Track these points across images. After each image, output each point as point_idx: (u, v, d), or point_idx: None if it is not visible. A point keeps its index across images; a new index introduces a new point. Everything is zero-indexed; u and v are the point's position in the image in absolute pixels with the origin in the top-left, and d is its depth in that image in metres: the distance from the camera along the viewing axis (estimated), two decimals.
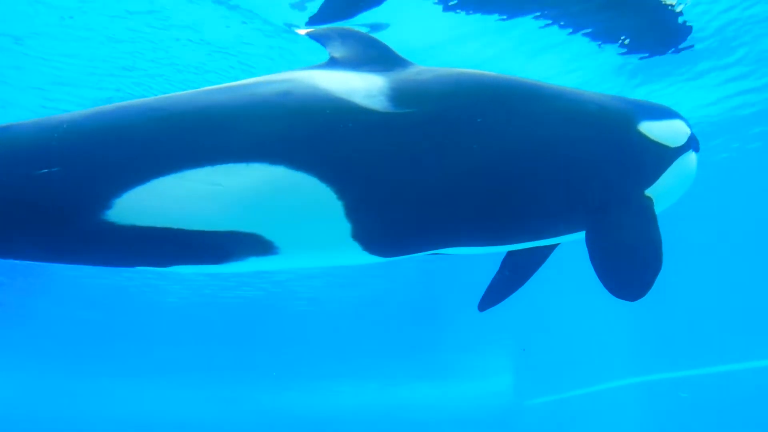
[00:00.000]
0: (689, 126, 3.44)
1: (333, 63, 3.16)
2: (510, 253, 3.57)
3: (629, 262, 3.00)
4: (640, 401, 20.01)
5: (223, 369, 24.10)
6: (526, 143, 2.86)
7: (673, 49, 7.76)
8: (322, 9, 6.19)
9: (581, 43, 7.34)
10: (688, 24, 7.11)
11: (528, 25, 6.95)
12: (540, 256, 3.56)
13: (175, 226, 2.60)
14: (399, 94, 2.74)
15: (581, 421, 22.63)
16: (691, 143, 3.43)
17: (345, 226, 2.73)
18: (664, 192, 3.22)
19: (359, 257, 2.94)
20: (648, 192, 3.14)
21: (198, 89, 2.73)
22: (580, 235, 3.07)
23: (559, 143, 2.93)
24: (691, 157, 3.41)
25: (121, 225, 2.55)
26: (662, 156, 3.22)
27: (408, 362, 24.27)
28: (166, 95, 2.71)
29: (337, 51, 3.23)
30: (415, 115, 2.71)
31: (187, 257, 2.80)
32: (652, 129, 3.19)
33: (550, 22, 6.98)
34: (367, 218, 2.73)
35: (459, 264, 14.25)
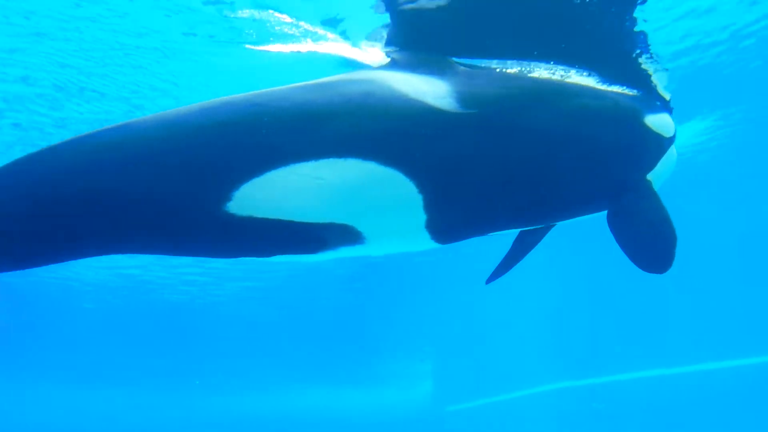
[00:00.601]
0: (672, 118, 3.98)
1: (394, 65, 3.70)
2: (522, 233, 3.87)
3: (652, 237, 3.35)
4: (557, 408, 20.14)
5: (146, 375, 23.37)
6: (563, 136, 3.26)
7: None
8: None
9: None
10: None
11: None
12: (541, 234, 3.90)
13: (283, 217, 2.80)
14: (462, 96, 3.04)
15: (499, 427, 22.74)
16: (675, 134, 3.96)
17: (421, 217, 3.02)
18: (658, 176, 3.64)
19: (424, 244, 3.25)
20: (648, 176, 3.57)
21: (285, 87, 2.90)
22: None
23: (589, 136, 3.35)
24: (674, 146, 3.90)
25: (239, 216, 2.74)
26: (660, 145, 3.69)
27: (329, 368, 24.05)
28: (262, 91, 2.83)
29: (396, 54, 3.79)
30: (477, 115, 3.01)
31: (290, 247, 2.99)
32: (654, 122, 3.68)
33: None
34: (440, 209, 3.01)
35: (382, 271, 14.25)
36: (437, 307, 17.68)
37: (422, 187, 2.90)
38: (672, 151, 3.85)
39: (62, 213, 2.57)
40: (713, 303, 15.57)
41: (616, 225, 3.38)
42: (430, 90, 3.02)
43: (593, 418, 18.80)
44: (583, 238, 12.48)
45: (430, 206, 2.97)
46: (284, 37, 5.16)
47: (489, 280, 4.25)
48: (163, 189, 2.63)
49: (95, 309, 16.71)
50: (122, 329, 18.33)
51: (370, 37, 4.47)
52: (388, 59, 3.83)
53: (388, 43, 4.31)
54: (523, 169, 3.16)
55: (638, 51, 4.60)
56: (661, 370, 17.46)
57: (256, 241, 2.92)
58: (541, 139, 3.20)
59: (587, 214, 3.53)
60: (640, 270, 3.35)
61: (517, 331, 19.23)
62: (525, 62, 4.03)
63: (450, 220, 3.14)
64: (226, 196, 2.69)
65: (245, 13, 5.06)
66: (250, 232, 2.83)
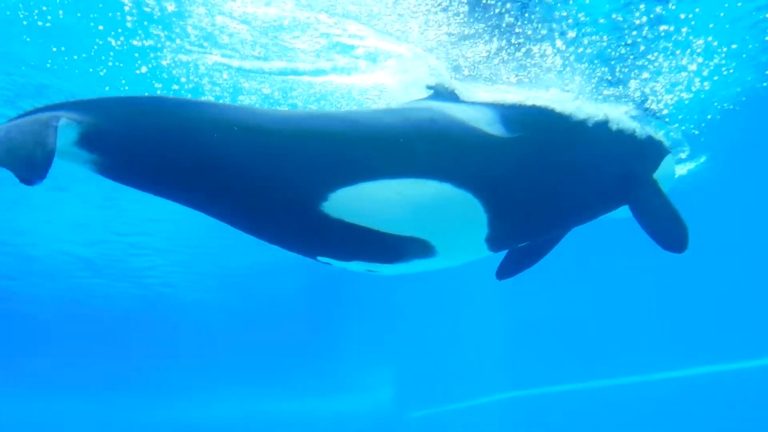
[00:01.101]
0: None
1: (438, 95, 4.38)
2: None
3: (668, 221, 3.96)
4: (518, 415, 20.29)
5: (101, 381, 22.80)
6: (591, 148, 3.89)
7: None
8: None
9: None
10: None
11: None
12: (559, 236, 4.38)
13: (368, 225, 3.13)
14: (507, 122, 3.49)
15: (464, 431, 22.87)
16: (671, 145, 4.70)
17: (483, 232, 3.42)
18: (661, 175, 4.27)
19: (481, 254, 3.64)
20: (654, 175, 4.21)
21: (373, 109, 3.48)
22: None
23: (611, 146, 4.02)
24: (671, 155, 4.55)
25: (331, 216, 3.07)
26: (663, 150, 4.38)
27: (290, 375, 23.91)
28: (358, 111, 3.43)
29: (437, 86, 4.54)
30: (523, 139, 3.46)
31: (369, 254, 3.32)
32: (655, 133, 4.50)
33: None
34: (499, 224, 3.41)
35: (344, 279, 14.22)
36: (400, 314, 17.69)
37: (487, 206, 3.30)
38: (670, 158, 4.46)
39: (182, 164, 2.93)
40: (675, 310, 15.79)
41: (638, 215, 4.02)
42: (482, 118, 3.47)
43: (554, 427, 18.95)
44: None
45: (492, 222, 3.37)
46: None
47: (500, 276, 4.63)
48: (276, 175, 2.99)
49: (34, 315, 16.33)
50: (67, 337, 17.90)
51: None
52: (433, 91, 4.56)
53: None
54: (562, 181, 3.64)
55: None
56: (621, 379, 17.70)
57: (341, 243, 3.24)
58: (575, 157, 3.76)
59: (611, 210, 4.13)
60: (665, 251, 3.98)
61: (479, 337, 19.32)
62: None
63: (506, 232, 3.55)
64: (323, 197, 3.02)
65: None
66: (337, 233, 3.15)
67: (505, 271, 4.57)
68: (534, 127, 3.63)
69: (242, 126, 2.96)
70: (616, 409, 17.31)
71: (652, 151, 4.30)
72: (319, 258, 3.41)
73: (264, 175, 2.99)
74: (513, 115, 3.60)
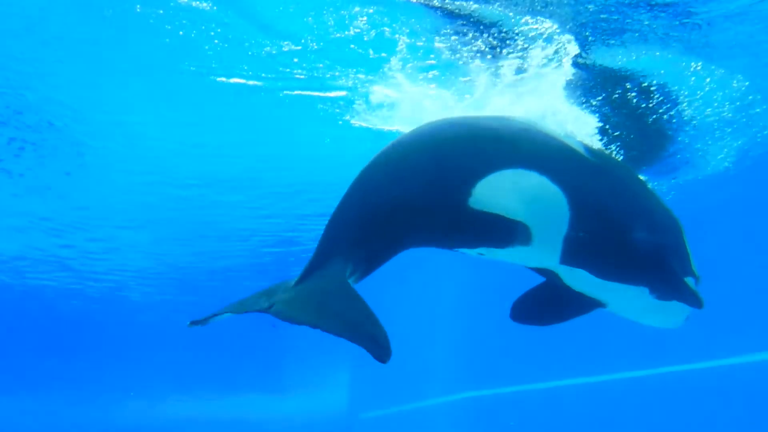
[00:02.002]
0: None
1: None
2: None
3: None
4: (472, 415, 20.35)
5: (41, 381, 22.06)
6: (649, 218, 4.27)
7: None
8: None
9: None
10: None
11: None
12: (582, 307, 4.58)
13: (497, 211, 3.56)
14: (585, 147, 4.07)
15: None
16: None
17: (563, 230, 3.80)
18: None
19: (554, 255, 3.93)
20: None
21: (477, 116, 4.35)
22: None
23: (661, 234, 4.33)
24: None
25: (474, 209, 3.51)
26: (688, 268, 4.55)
27: (241, 374, 23.57)
28: (472, 117, 4.31)
29: None
30: (595, 163, 4.06)
31: (492, 239, 3.75)
32: None
33: None
34: (575, 226, 3.81)
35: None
36: None
37: (570, 205, 3.75)
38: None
39: (385, 218, 3.46)
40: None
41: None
42: (559, 133, 4.08)
43: (507, 427, 19.00)
44: None
45: (571, 222, 3.79)
46: None
47: (513, 318, 4.71)
48: (433, 189, 3.51)
49: None
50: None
51: None
52: None
53: None
54: (623, 219, 4.07)
55: None
56: (577, 380, 17.79)
57: (480, 232, 3.66)
58: (635, 208, 4.22)
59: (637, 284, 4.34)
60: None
61: (433, 338, 19.21)
62: None
63: (578, 238, 3.88)
64: (469, 192, 3.48)
65: None
66: (479, 223, 3.57)
67: (518, 313, 4.66)
68: (608, 160, 4.34)
69: (407, 161, 3.59)
70: (572, 410, 17.38)
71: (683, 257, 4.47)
72: (454, 250, 3.89)
73: (428, 193, 3.51)
74: (588, 147, 4.16)
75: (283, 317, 3.28)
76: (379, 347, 3.24)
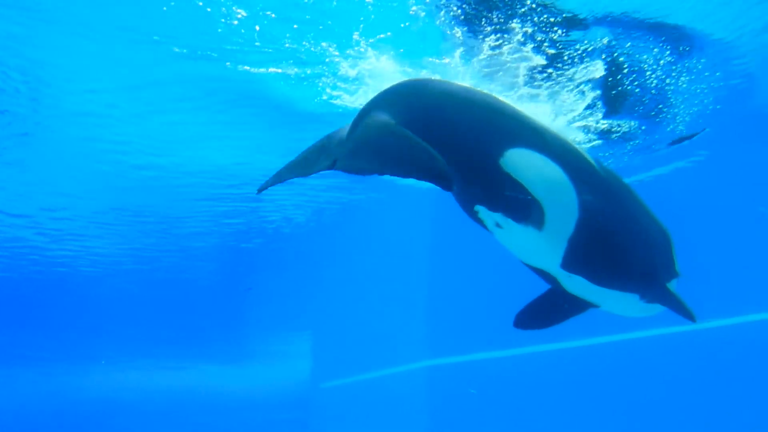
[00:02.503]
0: None
1: None
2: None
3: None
4: (430, 384, 20.64)
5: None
6: (645, 230, 4.53)
7: None
8: None
9: None
10: None
11: None
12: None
13: (521, 181, 3.89)
14: (600, 166, 4.39)
15: (373, 403, 23.12)
16: None
17: (570, 230, 4.09)
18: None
19: (554, 262, 4.25)
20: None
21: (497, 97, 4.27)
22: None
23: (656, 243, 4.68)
24: None
25: (504, 171, 3.85)
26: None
27: (201, 345, 23.39)
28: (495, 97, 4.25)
29: None
30: (604, 178, 4.31)
31: (512, 207, 4.00)
32: None
33: None
34: (581, 230, 4.08)
35: (256, 249, 13.93)
36: (314, 285, 17.47)
37: (579, 208, 4.05)
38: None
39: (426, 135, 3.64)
40: None
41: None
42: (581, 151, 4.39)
43: (466, 396, 19.26)
44: (458, 222, 12.52)
45: (578, 225, 4.06)
46: None
47: (516, 323, 4.99)
48: (474, 136, 3.86)
49: None
50: None
51: None
52: None
53: None
54: (624, 231, 4.35)
55: None
56: (532, 348, 18.08)
57: (500, 192, 3.93)
58: (635, 222, 4.46)
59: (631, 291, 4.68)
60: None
61: (393, 308, 19.29)
62: None
63: (580, 243, 4.14)
64: (502, 153, 3.84)
65: None
66: (504, 182, 3.88)
67: (522, 321, 4.97)
68: (613, 176, 4.49)
69: (461, 97, 4.00)
70: (532, 378, 17.70)
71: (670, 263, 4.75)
72: (476, 206, 4.11)
73: (467, 130, 3.87)
74: (600, 166, 4.44)
75: (351, 171, 3.55)
76: (443, 180, 3.45)
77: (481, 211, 4.11)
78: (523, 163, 3.91)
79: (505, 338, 18.52)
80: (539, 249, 4.26)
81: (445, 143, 3.69)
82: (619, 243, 4.35)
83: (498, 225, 4.16)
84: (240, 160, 9.92)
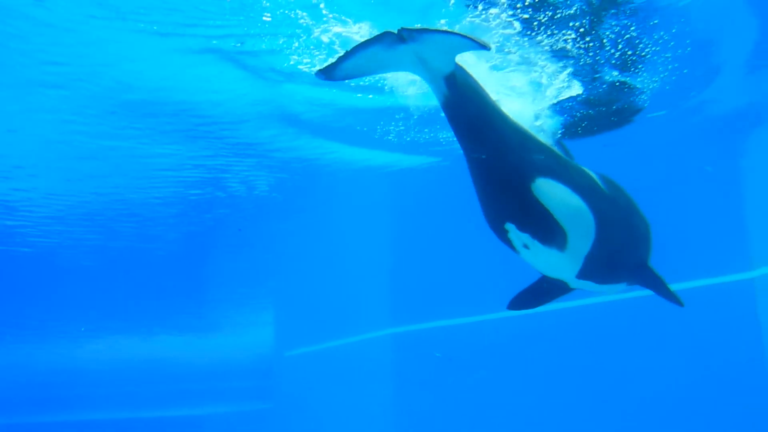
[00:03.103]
0: None
1: None
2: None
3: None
4: (394, 351, 20.90)
5: None
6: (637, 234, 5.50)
7: None
8: None
9: None
10: None
11: None
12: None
13: (547, 206, 4.59)
14: (606, 182, 5.21)
15: (338, 370, 23.32)
16: None
17: (587, 247, 4.87)
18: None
19: (574, 269, 5.05)
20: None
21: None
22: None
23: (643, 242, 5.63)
24: None
25: (533, 194, 4.53)
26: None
27: (166, 316, 23.37)
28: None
29: None
30: (611, 195, 5.16)
31: (540, 231, 4.68)
32: None
33: None
34: (596, 249, 4.87)
35: (217, 218, 13.87)
36: (278, 255, 17.45)
37: (596, 230, 4.80)
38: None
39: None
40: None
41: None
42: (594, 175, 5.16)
43: (432, 365, 19.52)
44: (420, 188, 12.60)
45: (594, 244, 4.83)
46: None
47: (510, 306, 5.76)
48: (512, 160, 4.54)
49: None
50: None
51: None
52: None
53: None
54: (625, 242, 5.27)
55: None
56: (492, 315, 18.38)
57: (529, 216, 4.60)
58: (630, 230, 5.36)
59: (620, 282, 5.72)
60: None
61: (356, 275, 19.39)
62: None
63: (593, 260, 4.93)
64: (533, 179, 4.52)
65: None
66: (533, 207, 4.55)
67: (518, 303, 5.73)
68: (616, 189, 5.28)
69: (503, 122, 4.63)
70: (491, 344, 18.02)
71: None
72: (506, 224, 4.69)
73: (504, 156, 4.52)
74: (608, 184, 5.23)
75: (417, 31, 3.97)
76: (480, 42, 3.96)
77: (511, 230, 4.73)
78: (550, 192, 4.56)
79: (468, 306, 18.80)
80: (560, 266, 5.00)
81: (484, 157, 4.49)
82: (624, 250, 5.24)
83: (525, 246, 4.80)
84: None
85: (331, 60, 4.12)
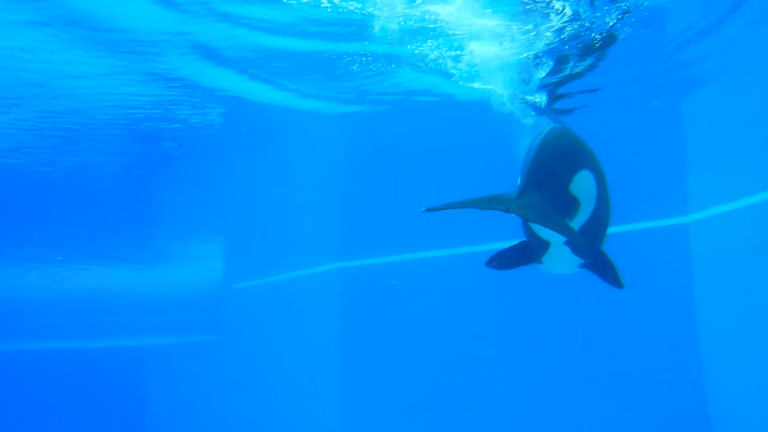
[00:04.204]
0: None
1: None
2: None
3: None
4: (340, 285, 21.29)
5: None
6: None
7: None
8: None
9: None
10: None
11: None
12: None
13: (578, 198, 5.51)
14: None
15: (285, 303, 23.63)
16: None
17: (589, 212, 5.70)
18: None
19: (572, 260, 6.10)
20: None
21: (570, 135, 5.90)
22: None
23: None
24: None
25: (571, 193, 5.46)
26: None
27: (113, 246, 23.14)
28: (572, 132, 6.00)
29: None
30: (602, 192, 5.99)
31: (569, 212, 5.54)
32: None
33: None
34: (590, 221, 5.75)
35: (169, 156, 13.76)
36: (227, 188, 17.38)
37: (597, 196, 5.75)
38: None
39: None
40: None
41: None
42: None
43: (383, 295, 19.88)
44: (370, 128, 12.67)
45: (590, 215, 5.72)
46: None
47: (488, 263, 6.39)
48: (562, 169, 5.47)
49: None
50: None
51: None
52: None
53: None
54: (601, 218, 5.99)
55: None
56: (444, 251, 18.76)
57: (568, 206, 5.47)
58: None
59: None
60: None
61: (306, 210, 19.47)
62: None
63: (584, 233, 5.69)
64: (571, 180, 5.44)
65: None
66: (570, 205, 5.46)
67: (498, 261, 6.37)
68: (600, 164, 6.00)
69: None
70: (435, 280, 18.43)
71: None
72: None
73: (549, 162, 5.36)
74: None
75: (521, 216, 5.08)
76: (573, 241, 5.43)
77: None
78: (581, 181, 5.48)
79: (412, 242, 19.12)
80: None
81: (544, 182, 5.22)
82: (603, 224, 6.02)
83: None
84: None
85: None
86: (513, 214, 5.20)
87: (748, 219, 14.19)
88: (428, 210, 4.91)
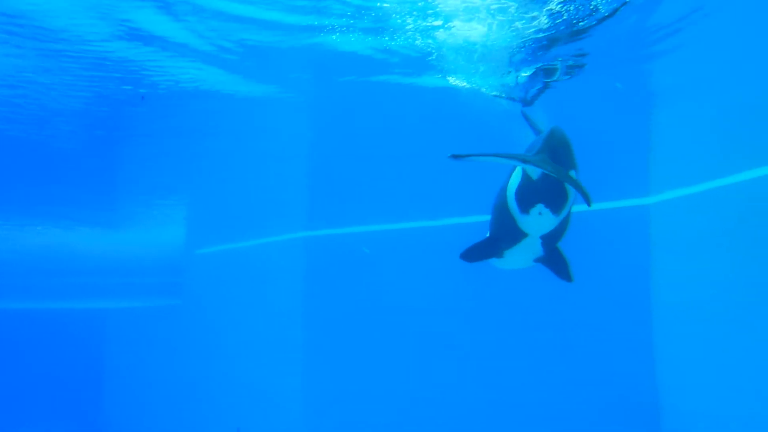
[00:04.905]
0: None
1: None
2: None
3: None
4: (305, 253, 21.38)
5: None
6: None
7: None
8: None
9: None
10: None
11: None
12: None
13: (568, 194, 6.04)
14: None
15: (248, 270, 23.67)
16: None
17: (568, 208, 6.17)
18: None
19: (547, 230, 6.35)
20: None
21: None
22: None
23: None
24: None
25: (566, 187, 5.99)
26: None
27: (76, 208, 22.82)
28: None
29: None
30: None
31: (558, 203, 6.04)
32: None
33: None
34: (569, 207, 6.19)
35: (135, 116, 13.59)
36: (193, 152, 17.19)
37: (573, 195, 6.04)
38: None
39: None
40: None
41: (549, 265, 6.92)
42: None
43: (346, 265, 19.96)
44: (341, 100, 12.61)
45: (569, 210, 6.18)
46: None
47: (462, 256, 6.70)
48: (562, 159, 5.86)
49: None
50: None
51: None
52: None
53: None
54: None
55: None
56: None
57: (558, 197, 6.05)
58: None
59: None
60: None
61: (273, 177, 19.38)
62: None
63: (562, 225, 6.33)
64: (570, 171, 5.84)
65: None
66: (559, 190, 5.98)
67: (468, 255, 6.70)
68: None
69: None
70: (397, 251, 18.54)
71: None
72: (536, 204, 6.02)
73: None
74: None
75: (544, 167, 5.66)
76: (586, 195, 5.61)
77: (538, 206, 5.97)
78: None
79: (376, 214, 19.19)
80: (546, 226, 6.14)
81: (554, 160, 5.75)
82: (568, 220, 6.35)
83: (540, 214, 6.01)
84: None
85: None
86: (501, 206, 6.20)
87: (707, 203, 14.49)
88: (453, 156, 5.20)
